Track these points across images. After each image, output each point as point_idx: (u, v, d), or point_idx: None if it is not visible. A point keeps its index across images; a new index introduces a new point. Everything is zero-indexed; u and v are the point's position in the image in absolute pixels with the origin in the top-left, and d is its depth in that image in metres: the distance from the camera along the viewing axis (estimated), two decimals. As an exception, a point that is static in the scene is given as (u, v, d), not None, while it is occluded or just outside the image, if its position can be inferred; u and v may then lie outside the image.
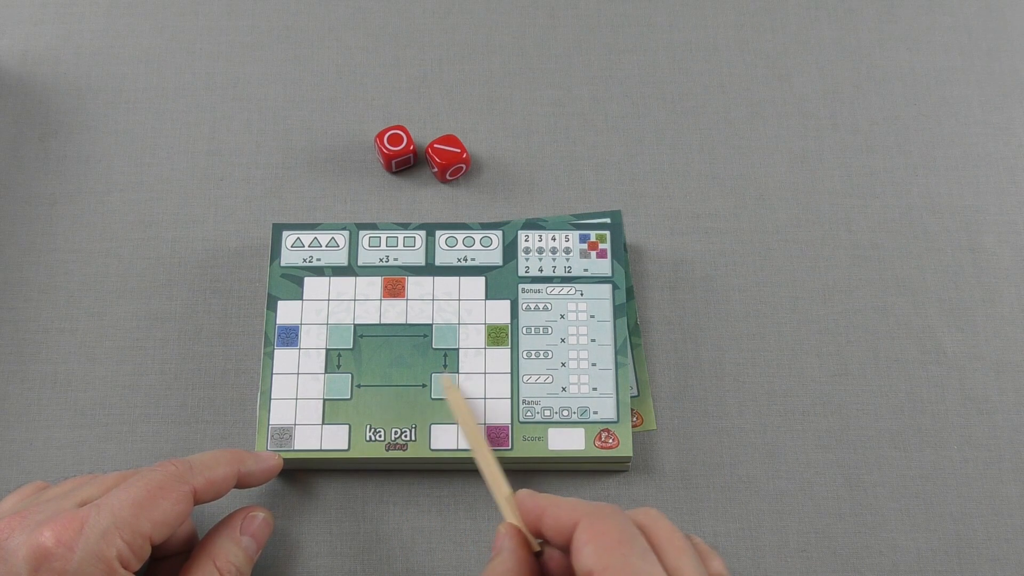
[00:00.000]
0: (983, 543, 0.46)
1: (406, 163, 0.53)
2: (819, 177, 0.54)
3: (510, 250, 0.50)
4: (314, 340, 0.47)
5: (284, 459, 0.45)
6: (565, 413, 0.46)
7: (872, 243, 0.52)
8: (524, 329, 0.48)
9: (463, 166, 0.53)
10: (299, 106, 0.55)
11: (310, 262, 0.49)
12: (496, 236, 0.50)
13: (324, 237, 0.50)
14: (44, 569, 0.35)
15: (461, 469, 0.46)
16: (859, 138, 0.55)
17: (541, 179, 0.53)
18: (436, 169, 0.52)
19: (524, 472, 0.46)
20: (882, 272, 0.51)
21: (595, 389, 0.47)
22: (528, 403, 0.46)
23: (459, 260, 0.49)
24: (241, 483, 0.43)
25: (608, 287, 0.49)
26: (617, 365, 0.47)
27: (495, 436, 0.46)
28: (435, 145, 0.52)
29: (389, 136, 0.52)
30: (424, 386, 0.46)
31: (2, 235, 0.52)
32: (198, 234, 0.52)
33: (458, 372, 0.47)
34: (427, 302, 0.48)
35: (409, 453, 0.45)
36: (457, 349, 0.47)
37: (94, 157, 0.54)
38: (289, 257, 0.49)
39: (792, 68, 0.57)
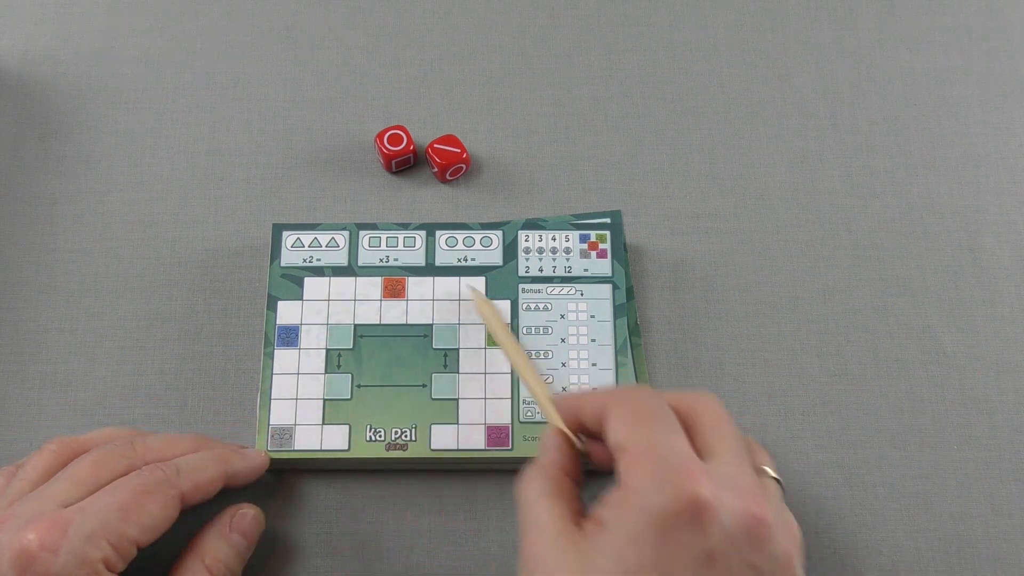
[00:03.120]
0: (983, 543, 0.46)
1: (406, 163, 0.53)
2: (819, 177, 0.54)
3: (510, 250, 0.50)
4: (314, 340, 0.47)
5: (285, 459, 0.45)
6: (565, 413, 0.46)
7: (872, 243, 0.52)
8: (524, 329, 0.48)
9: (463, 166, 0.53)
10: (299, 106, 0.55)
11: (310, 262, 0.49)
12: (496, 236, 0.50)
13: (324, 237, 0.50)
14: (29, 571, 0.35)
15: (461, 469, 0.46)
16: (859, 138, 0.55)
17: (541, 179, 0.53)
18: (436, 169, 0.52)
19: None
20: (882, 272, 0.51)
21: (595, 389, 0.47)
22: (528, 403, 0.46)
23: (459, 260, 0.49)
24: (228, 483, 0.43)
25: (608, 287, 0.49)
26: (617, 365, 0.47)
27: (495, 436, 0.46)
28: (435, 145, 0.52)
29: (389, 136, 0.52)
30: (424, 386, 0.46)
31: (2, 235, 0.52)
32: (198, 234, 0.52)
33: (458, 372, 0.47)
34: (427, 302, 0.48)
35: (409, 453, 0.45)
36: (457, 349, 0.47)
37: (94, 157, 0.54)
38: (289, 257, 0.49)
39: (792, 68, 0.57)
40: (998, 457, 0.48)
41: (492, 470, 0.46)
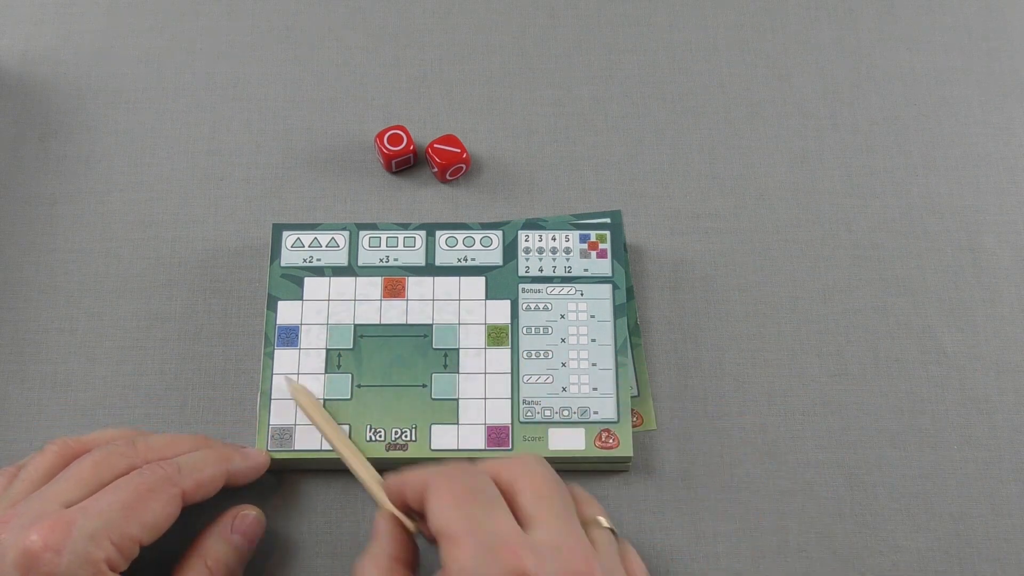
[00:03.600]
0: (983, 543, 0.46)
1: (406, 163, 0.53)
2: (819, 177, 0.54)
3: (510, 250, 0.50)
4: (314, 340, 0.47)
5: (285, 459, 0.45)
6: (565, 413, 0.46)
7: (872, 243, 0.52)
8: (524, 329, 0.48)
9: (463, 166, 0.53)
10: (299, 106, 0.55)
11: (310, 262, 0.49)
12: (496, 236, 0.50)
13: (324, 237, 0.50)
14: (33, 572, 0.35)
15: (461, 469, 0.46)
16: (859, 138, 0.55)
17: (541, 179, 0.53)
18: (436, 169, 0.52)
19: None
20: (882, 272, 0.51)
21: (595, 389, 0.47)
22: (528, 403, 0.46)
23: (459, 260, 0.49)
24: (229, 482, 0.43)
25: (608, 287, 0.49)
26: (617, 365, 0.47)
27: (496, 436, 0.46)
28: (435, 145, 0.52)
29: (389, 136, 0.52)
30: (424, 386, 0.46)
31: (2, 235, 0.52)
32: (198, 234, 0.52)
33: (458, 372, 0.47)
34: (427, 302, 0.48)
35: (409, 453, 0.45)
36: (457, 349, 0.47)
37: (94, 157, 0.54)
38: (289, 257, 0.49)
39: (792, 68, 0.57)
40: (998, 457, 0.48)
41: (492, 470, 0.46)
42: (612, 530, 0.39)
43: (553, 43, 0.57)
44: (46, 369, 0.49)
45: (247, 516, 0.43)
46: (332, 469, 0.46)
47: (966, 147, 0.55)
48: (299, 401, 0.46)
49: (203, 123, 0.55)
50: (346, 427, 0.46)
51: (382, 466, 0.46)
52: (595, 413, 0.46)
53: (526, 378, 0.47)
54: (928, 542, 0.46)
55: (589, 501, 0.39)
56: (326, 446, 0.45)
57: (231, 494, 0.44)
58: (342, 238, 0.50)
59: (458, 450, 0.45)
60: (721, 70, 0.57)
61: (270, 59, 0.56)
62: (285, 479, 0.46)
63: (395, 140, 0.52)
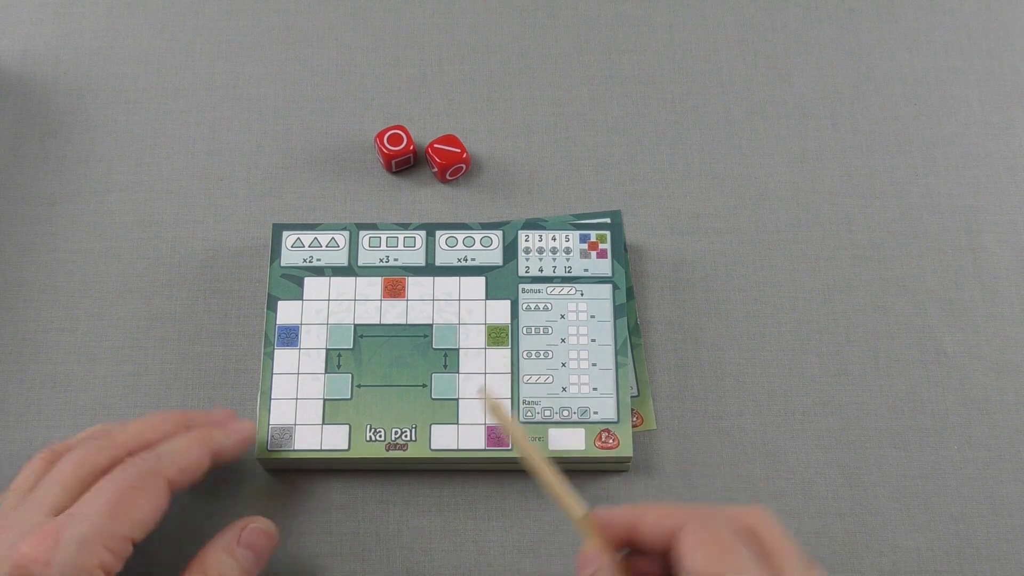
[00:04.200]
0: (983, 543, 0.46)
1: (406, 163, 0.53)
2: (819, 177, 0.54)
3: (510, 250, 0.50)
4: (314, 340, 0.47)
5: (285, 459, 0.45)
6: (565, 413, 0.46)
7: (872, 243, 0.52)
8: (524, 329, 0.48)
9: (463, 166, 0.53)
10: (299, 106, 0.55)
11: (310, 262, 0.49)
12: (496, 236, 0.50)
13: (324, 237, 0.50)
14: None
15: (461, 469, 0.46)
16: (859, 138, 0.55)
17: (541, 179, 0.53)
18: (436, 169, 0.52)
19: (524, 472, 0.46)
20: (882, 272, 0.51)
21: (595, 389, 0.47)
22: (528, 403, 0.46)
23: (459, 260, 0.49)
24: (216, 461, 0.41)
25: (608, 287, 0.49)
26: (617, 365, 0.47)
27: (495, 436, 0.46)
28: (435, 145, 0.52)
29: (389, 136, 0.52)
30: (424, 386, 0.46)
31: (2, 235, 0.52)
32: (198, 234, 0.52)
33: (458, 372, 0.47)
34: (427, 302, 0.48)
35: (409, 453, 0.45)
36: (457, 349, 0.47)
37: (94, 157, 0.54)
38: (289, 257, 0.49)
39: (792, 68, 0.57)
40: (998, 457, 0.48)
41: (492, 470, 0.46)
42: None
43: (553, 43, 0.57)
44: (46, 369, 0.49)
45: (255, 528, 0.41)
46: (332, 469, 0.46)
47: (966, 147, 0.55)
48: (498, 416, 0.41)
49: (203, 123, 0.55)
50: (346, 427, 0.46)
51: (382, 466, 0.46)
52: (595, 413, 0.46)
53: (526, 378, 0.47)
54: (928, 542, 0.46)
55: (813, 563, 0.38)
56: (326, 446, 0.45)
57: (241, 506, 0.44)
58: (342, 238, 0.50)
59: (458, 450, 0.45)
60: (721, 70, 0.57)
61: (270, 59, 0.56)
62: (285, 479, 0.46)
63: (395, 140, 0.52)
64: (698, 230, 0.52)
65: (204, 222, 0.52)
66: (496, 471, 0.46)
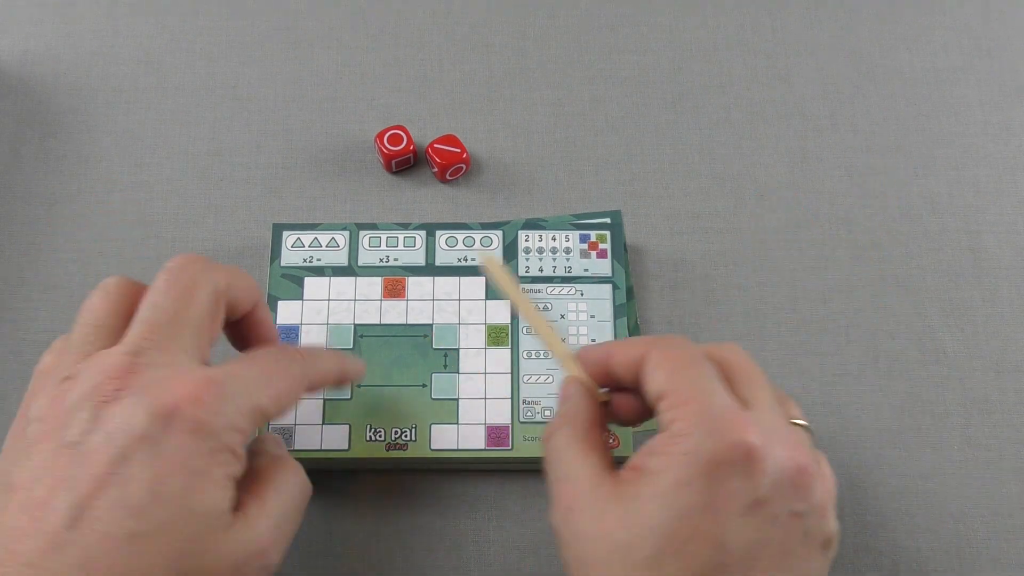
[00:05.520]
0: (983, 543, 0.46)
1: (406, 163, 0.53)
2: (819, 177, 0.54)
3: (510, 250, 0.50)
4: (314, 340, 0.47)
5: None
6: (565, 413, 0.46)
7: (872, 243, 0.52)
8: (524, 329, 0.48)
9: (463, 166, 0.53)
10: (299, 106, 0.55)
11: (310, 262, 0.49)
12: (496, 236, 0.50)
13: (324, 237, 0.50)
14: (193, 429, 0.32)
15: (461, 469, 0.46)
16: (859, 138, 0.55)
17: (541, 179, 0.53)
18: (436, 169, 0.52)
19: (524, 472, 0.46)
20: (882, 272, 0.51)
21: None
22: (528, 403, 0.46)
23: (459, 260, 0.49)
24: (339, 381, 0.41)
25: (608, 287, 0.49)
26: (617, 365, 0.47)
27: (495, 436, 0.46)
28: (435, 145, 0.52)
29: (389, 136, 0.52)
30: (424, 386, 0.46)
31: (2, 235, 0.52)
32: (198, 234, 0.52)
33: (458, 372, 0.47)
34: (427, 302, 0.48)
35: (409, 453, 0.45)
36: (457, 349, 0.47)
37: (94, 157, 0.54)
38: (289, 257, 0.49)
39: (792, 68, 0.57)
40: (998, 457, 0.48)
41: (492, 470, 0.46)
42: (809, 428, 0.38)
43: (553, 43, 0.57)
44: (46, 369, 0.48)
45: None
46: (332, 469, 0.46)
47: (966, 147, 0.55)
48: (490, 271, 0.46)
49: (203, 123, 0.55)
50: (346, 427, 0.46)
51: (382, 466, 0.46)
52: (595, 413, 0.46)
53: (526, 378, 0.47)
54: (928, 542, 0.46)
55: (788, 399, 0.38)
56: (326, 446, 0.45)
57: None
58: (342, 238, 0.50)
59: (458, 450, 0.45)
60: (721, 70, 0.57)
61: (270, 59, 0.56)
62: (285, 479, 0.46)
63: (395, 140, 0.52)
64: (698, 230, 0.52)
65: (204, 222, 0.52)
66: (496, 471, 0.46)
